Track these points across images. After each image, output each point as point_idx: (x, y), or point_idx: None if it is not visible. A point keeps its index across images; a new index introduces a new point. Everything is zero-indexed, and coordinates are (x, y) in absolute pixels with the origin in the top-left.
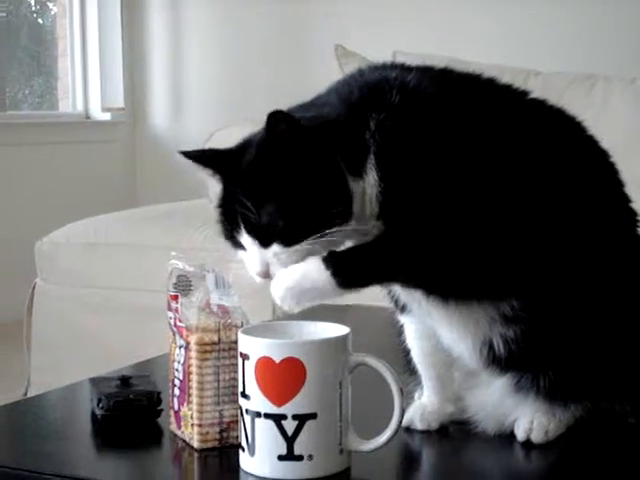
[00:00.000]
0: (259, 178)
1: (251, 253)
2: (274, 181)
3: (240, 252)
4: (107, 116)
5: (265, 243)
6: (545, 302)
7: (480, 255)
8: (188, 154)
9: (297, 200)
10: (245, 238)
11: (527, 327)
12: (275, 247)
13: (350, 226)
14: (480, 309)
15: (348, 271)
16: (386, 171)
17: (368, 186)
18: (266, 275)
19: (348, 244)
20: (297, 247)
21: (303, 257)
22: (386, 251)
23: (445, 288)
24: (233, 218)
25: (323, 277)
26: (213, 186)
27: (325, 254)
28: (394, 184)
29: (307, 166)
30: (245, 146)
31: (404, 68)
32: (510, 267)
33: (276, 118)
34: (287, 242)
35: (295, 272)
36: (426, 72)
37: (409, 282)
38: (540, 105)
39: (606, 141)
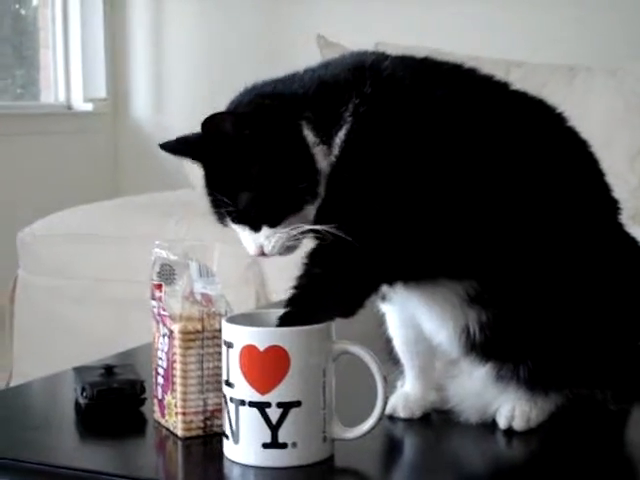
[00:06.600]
0: (224, 174)
1: (244, 237)
2: (239, 173)
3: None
4: (89, 107)
5: (255, 227)
6: (522, 288)
7: (458, 237)
8: (164, 147)
9: (266, 184)
10: (234, 226)
11: (502, 313)
12: (265, 230)
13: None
14: (452, 292)
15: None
16: (351, 157)
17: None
18: (262, 254)
19: None
20: (283, 227)
21: (293, 238)
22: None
23: (416, 272)
24: (219, 207)
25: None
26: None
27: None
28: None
29: (265, 152)
30: None
31: (383, 56)
32: (486, 251)
33: (210, 123)
34: (272, 223)
35: None
36: (404, 61)
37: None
38: (520, 95)
39: (587, 132)
